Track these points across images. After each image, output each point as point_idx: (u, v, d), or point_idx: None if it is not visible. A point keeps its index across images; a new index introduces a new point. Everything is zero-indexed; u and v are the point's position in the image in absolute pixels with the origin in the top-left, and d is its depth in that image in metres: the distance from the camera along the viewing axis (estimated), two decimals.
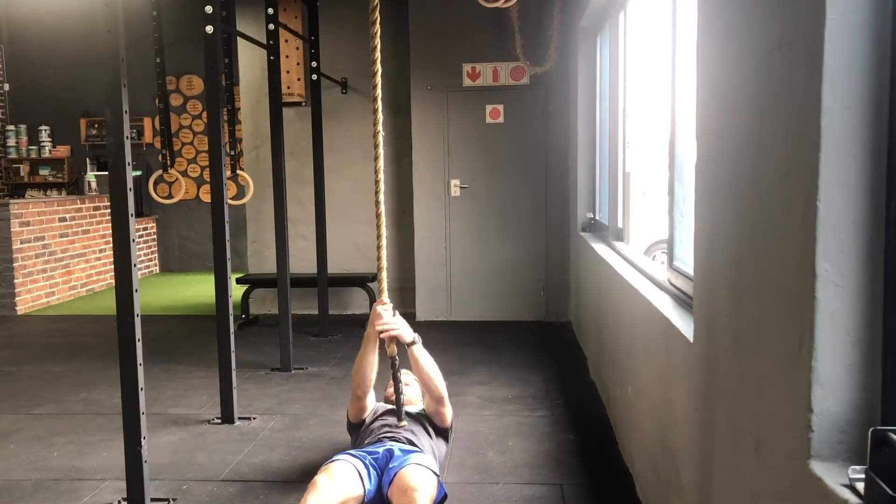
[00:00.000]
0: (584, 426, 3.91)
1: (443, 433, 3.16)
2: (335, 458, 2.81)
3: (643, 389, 2.95)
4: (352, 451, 2.89)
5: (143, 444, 2.92)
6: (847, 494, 1.15)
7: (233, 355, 3.99)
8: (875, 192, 1.23)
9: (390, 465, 2.76)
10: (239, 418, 4.03)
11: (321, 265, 5.92)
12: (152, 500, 3.01)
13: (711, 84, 1.93)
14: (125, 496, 2.97)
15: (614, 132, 4.50)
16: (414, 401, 3.31)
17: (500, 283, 6.54)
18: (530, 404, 4.26)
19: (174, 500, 3.10)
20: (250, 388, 4.63)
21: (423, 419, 3.14)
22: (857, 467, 1.18)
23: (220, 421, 4.01)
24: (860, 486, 1.14)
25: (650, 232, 5.63)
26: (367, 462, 2.79)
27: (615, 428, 3.72)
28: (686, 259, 2.71)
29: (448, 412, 3.12)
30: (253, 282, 6.64)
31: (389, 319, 2.92)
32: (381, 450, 2.85)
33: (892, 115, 1.20)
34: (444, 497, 2.77)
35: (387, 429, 2.99)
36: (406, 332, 2.98)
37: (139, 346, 2.91)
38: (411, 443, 2.93)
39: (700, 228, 2.06)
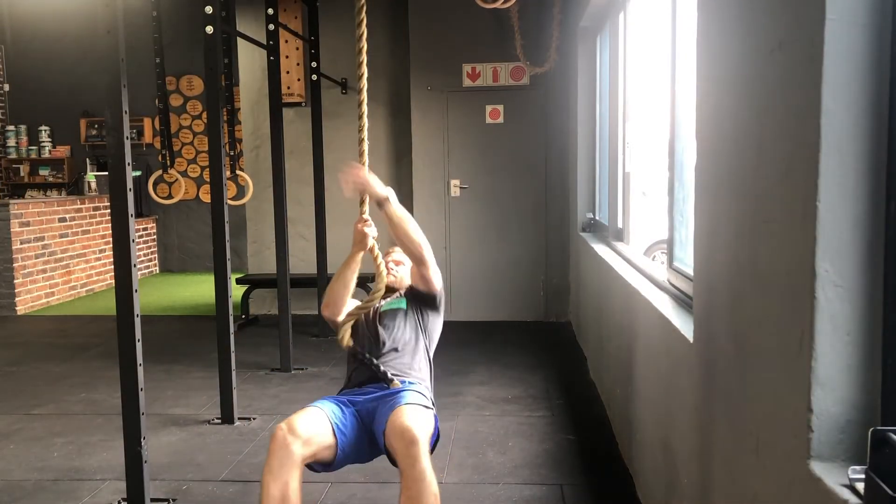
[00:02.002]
0: (584, 426, 3.91)
1: (433, 304, 2.85)
2: (312, 404, 2.56)
3: (643, 389, 2.95)
4: (336, 397, 2.67)
5: (143, 444, 2.92)
6: (847, 494, 1.15)
7: (233, 355, 3.99)
8: (875, 192, 1.23)
9: (382, 410, 2.52)
10: (239, 418, 4.03)
11: (321, 265, 5.92)
12: (152, 500, 3.01)
13: (711, 84, 1.93)
14: (125, 496, 2.97)
15: (614, 132, 4.50)
16: (405, 282, 2.97)
17: (500, 283, 6.54)
18: (530, 404, 4.26)
19: (174, 500, 3.10)
20: (250, 388, 4.63)
21: (412, 307, 2.83)
22: (857, 467, 1.18)
23: (220, 421, 4.01)
24: (860, 486, 1.14)
25: (650, 232, 5.63)
26: (345, 410, 2.55)
27: (615, 428, 3.72)
28: (686, 259, 2.71)
29: (434, 276, 2.76)
30: (253, 282, 6.64)
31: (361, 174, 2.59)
32: (363, 399, 2.60)
33: (892, 115, 1.20)
34: (438, 437, 2.57)
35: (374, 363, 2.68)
36: (378, 186, 2.61)
37: (139, 346, 2.91)
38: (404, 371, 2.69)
39: (700, 228, 2.06)
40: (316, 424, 2.42)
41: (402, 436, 2.30)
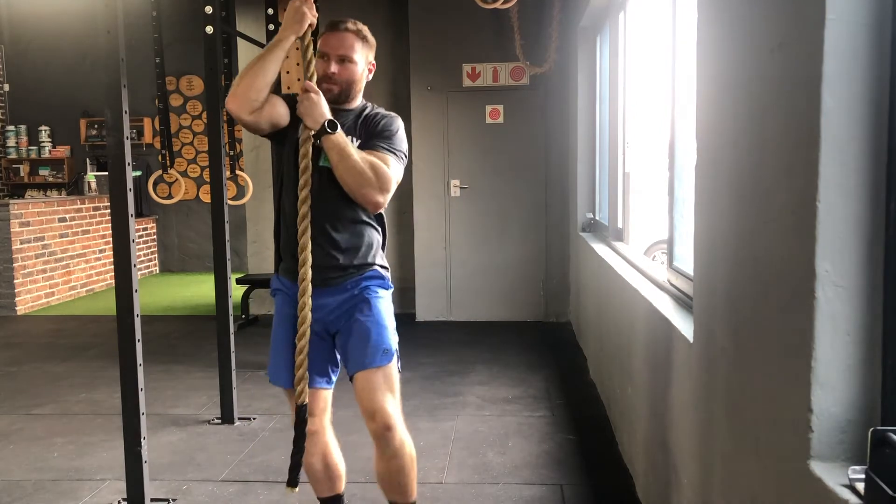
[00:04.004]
0: (584, 426, 3.91)
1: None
2: (287, 383, 2.40)
3: (643, 389, 2.95)
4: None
5: (143, 444, 2.92)
6: (847, 494, 1.15)
7: (233, 355, 3.99)
8: (875, 192, 1.23)
9: (347, 344, 2.36)
10: (239, 418, 4.04)
11: None
12: (152, 500, 3.01)
13: (711, 84, 1.93)
14: (125, 496, 2.97)
15: (614, 132, 4.50)
16: (355, 87, 2.37)
17: (500, 283, 6.54)
18: (530, 404, 4.26)
19: (174, 500, 3.10)
20: (250, 388, 4.62)
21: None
22: (857, 467, 1.18)
23: (220, 421, 4.01)
24: (860, 486, 1.14)
25: (650, 232, 5.63)
26: (329, 355, 2.44)
27: (615, 428, 3.73)
28: (686, 259, 2.71)
29: (389, 198, 2.31)
30: (253, 282, 6.63)
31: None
32: (323, 319, 2.36)
33: (892, 115, 1.20)
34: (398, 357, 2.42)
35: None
36: (325, 106, 2.22)
37: (139, 346, 2.91)
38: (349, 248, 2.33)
39: (700, 228, 2.06)
40: (317, 397, 2.48)
41: (375, 418, 2.32)
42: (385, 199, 2.28)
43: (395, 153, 2.32)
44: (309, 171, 2.24)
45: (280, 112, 2.30)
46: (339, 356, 2.50)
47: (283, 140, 2.36)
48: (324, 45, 2.31)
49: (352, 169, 2.22)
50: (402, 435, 2.37)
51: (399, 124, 2.39)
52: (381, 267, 2.44)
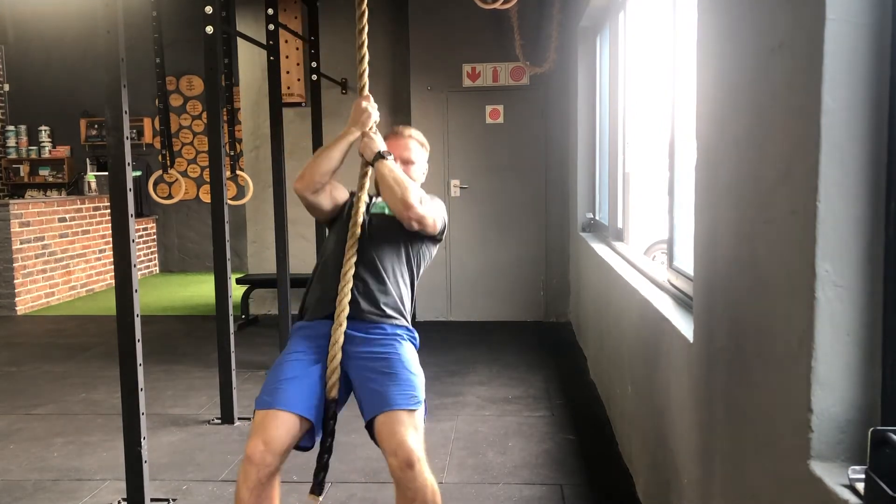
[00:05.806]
0: (584, 426, 3.91)
1: (433, 239, 2.57)
2: (281, 402, 2.24)
3: (643, 389, 2.95)
4: (306, 364, 2.34)
5: (143, 444, 2.92)
6: (847, 494, 1.15)
7: (233, 355, 3.99)
8: (875, 193, 1.23)
9: (367, 391, 2.31)
10: (239, 418, 4.04)
11: None
12: (152, 500, 3.01)
13: (711, 84, 1.93)
14: (125, 496, 2.97)
15: (614, 132, 4.51)
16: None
17: (500, 283, 6.54)
18: (530, 404, 4.26)
19: (174, 500, 3.10)
20: (250, 388, 4.62)
21: (396, 228, 2.48)
22: (857, 467, 1.18)
23: (220, 421, 4.01)
24: (860, 486, 1.14)
25: (650, 232, 5.62)
26: (318, 386, 2.31)
27: (615, 428, 3.73)
28: (686, 259, 2.71)
29: (431, 221, 2.44)
30: (253, 282, 6.64)
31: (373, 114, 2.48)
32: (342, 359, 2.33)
33: (892, 115, 1.20)
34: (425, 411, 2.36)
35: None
36: (380, 141, 2.47)
37: (139, 346, 2.91)
38: (382, 311, 2.40)
39: (700, 228, 2.06)
40: (292, 430, 2.23)
41: (397, 454, 2.13)
42: (421, 214, 2.39)
43: (438, 213, 2.52)
44: (361, 214, 2.41)
45: (342, 194, 2.58)
46: (352, 394, 2.40)
47: (336, 219, 2.58)
48: (389, 147, 2.51)
49: (400, 180, 2.39)
50: (426, 476, 2.14)
51: (443, 205, 2.60)
52: (409, 323, 2.52)
